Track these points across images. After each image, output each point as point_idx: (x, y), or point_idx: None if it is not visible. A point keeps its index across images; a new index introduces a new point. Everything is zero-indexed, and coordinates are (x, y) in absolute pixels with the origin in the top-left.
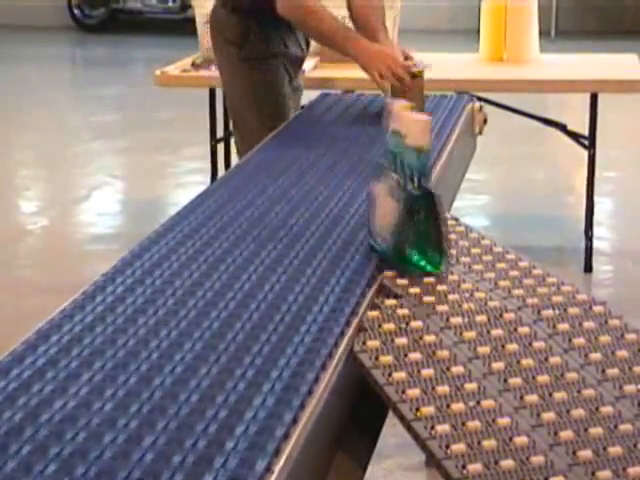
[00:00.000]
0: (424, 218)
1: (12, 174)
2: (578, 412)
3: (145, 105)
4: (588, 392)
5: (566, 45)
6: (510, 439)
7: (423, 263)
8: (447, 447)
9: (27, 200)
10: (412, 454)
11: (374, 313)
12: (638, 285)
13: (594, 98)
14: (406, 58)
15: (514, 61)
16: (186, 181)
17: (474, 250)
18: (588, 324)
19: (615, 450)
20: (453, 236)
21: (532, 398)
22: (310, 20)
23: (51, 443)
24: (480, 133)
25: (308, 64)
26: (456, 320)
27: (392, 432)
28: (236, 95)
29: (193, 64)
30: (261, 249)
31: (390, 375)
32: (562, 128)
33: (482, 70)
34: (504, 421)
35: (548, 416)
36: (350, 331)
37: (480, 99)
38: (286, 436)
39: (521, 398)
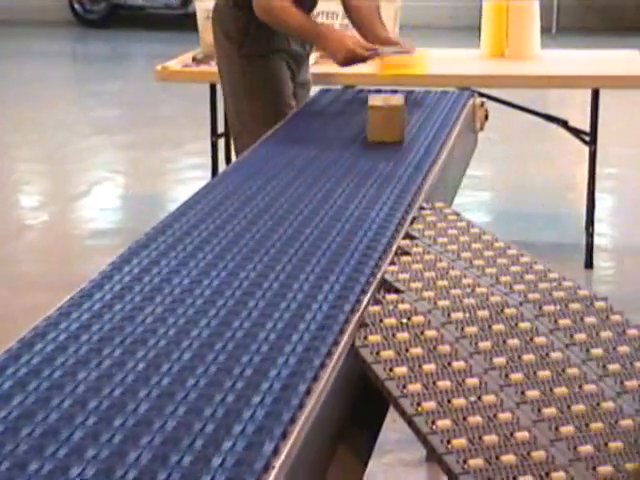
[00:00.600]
0: None
1: (12, 169)
2: (579, 407)
3: (146, 100)
4: (589, 387)
5: (567, 41)
6: (511, 434)
7: None
8: (448, 442)
9: (27, 195)
10: (413, 449)
11: (375, 308)
12: (639, 281)
13: (595, 94)
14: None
15: (515, 57)
16: (187, 177)
17: (475, 245)
18: (589, 319)
19: (616, 445)
20: (455, 231)
21: (533, 393)
22: (281, 19)
23: (47, 442)
24: (481, 129)
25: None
26: (457, 315)
27: (393, 427)
28: (235, 92)
29: (194, 59)
30: (260, 246)
31: (391, 370)
32: (563, 124)
33: (484, 66)
34: (505, 416)
35: (549, 411)
36: (351, 326)
37: (481, 95)
38: (286, 432)
39: (522, 393)
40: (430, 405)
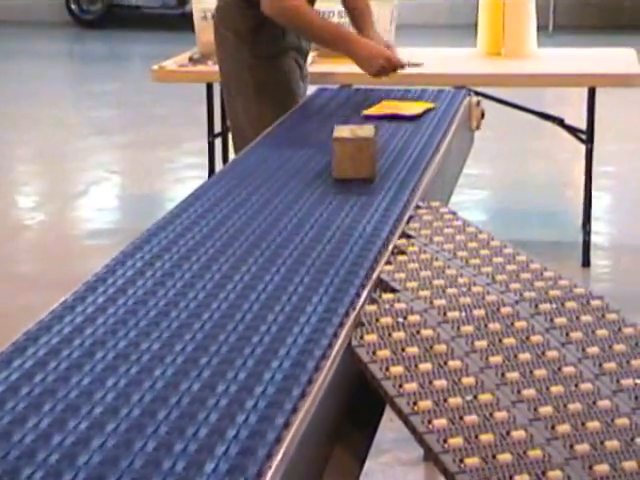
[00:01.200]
0: None
1: (10, 169)
2: (575, 406)
3: (143, 100)
4: (585, 386)
5: (564, 40)
6: (507, 433)
7: None
8: (444, 441)
9: (25, 195)
10: (410, 448)
11: (372, 307)
12: (635, 279)
13: (592, 92)
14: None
15: (512, 56)
16: (184, 176)
17: (471, 244)
18: (585, 318)
19: (612, 444)
20: (451, 230)
21: (529, 392)
22: (299, 20)
23: (38, 447)
24: (478, 128)
25: None
26: (453, 314)
27: (390, 426)
28: (243, 91)
29: (190, 59)
30: (256, 247)
31: (387, 369)
32: (560, 122)
33: (480, 65)
34: (501, 415)
35: (545, 410)
36: (347, 326)
37: (478, 94)
38: (283, 431)
39: (518, 392)
40: (426, 404)
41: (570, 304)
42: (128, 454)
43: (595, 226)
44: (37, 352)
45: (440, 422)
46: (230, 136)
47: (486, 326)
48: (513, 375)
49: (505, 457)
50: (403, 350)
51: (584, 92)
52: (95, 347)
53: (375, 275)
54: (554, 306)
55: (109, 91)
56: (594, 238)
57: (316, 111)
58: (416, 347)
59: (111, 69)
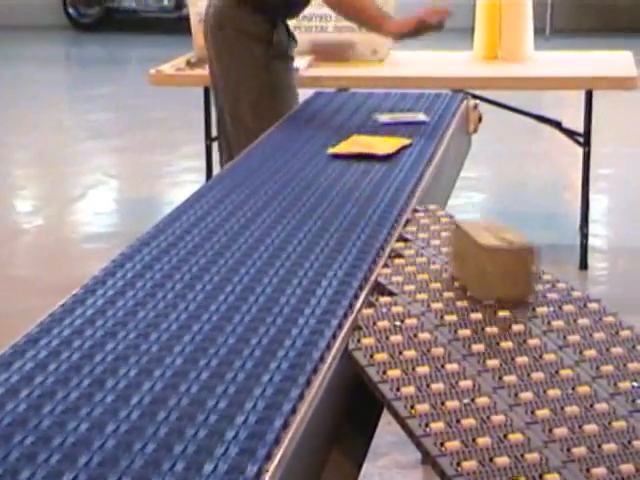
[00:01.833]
0: None
1: (7, 173)
2: (572, 409)
3: (140, 104)
4: (583, 389)
5: (561, 43)
6: (505, 436)
7: None
8: (442, 444)
9: (22, 199)
10: (408, 451)
11: (369, 311)
12: (633, 282)
13: (589, 95)
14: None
15: (509, 59)
16: (181, 180)
17: None
18: (583, 321)
19: (609, 447)
20: (448, 233)
21: (527, 395)
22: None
23: (38, 449)
24: (475, 131)
25: (302, 63)
26: (451, 318)
27: (388, 430)
28: (255, 91)
29: (188, 63)
30: (255, 247)
31: (385, 373)
32: (557, 125)
33: (477, 68)
34: (499, 418)
35: (543, 413)
36: (345, 329)
37: (475, 97)
38: (282, 433)
39: (516, 395)
40: (423, 407)
41: (567, 307)
42: (128, 455)
43: (593, 229)
44: (37, 354)
45: (437, 425)
46: (218, 143)
47: (483, 330)
48: (510, 378)
49: (502, 460)
50: (400, 353)
51: (581, 95)
52: (94, 349)
53: (372, 278)
54: (551, 309)
55: (106, 94)
56: (592, 241)
57: (313, 115)
58: (413, 350)
59: (108, 72)
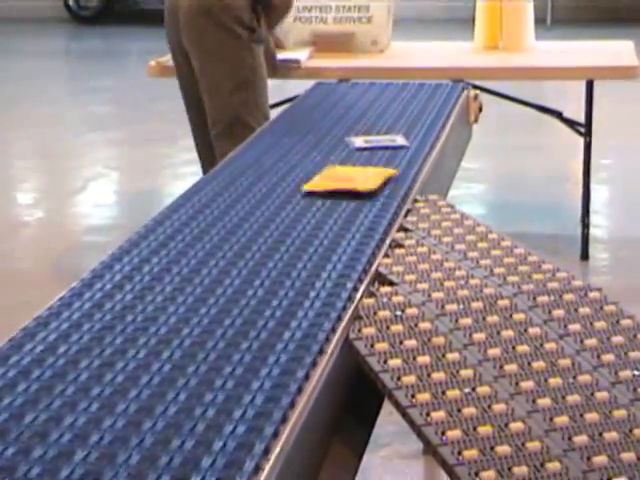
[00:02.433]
0: None
1: (8, 166)
2: (573, 398)
3: (140, 96)
4: (583, 378)
5: (562, 33)
6: (506, 425)
7: None
8: (443, 434)
9: (23, 192)
10: (409, 441)
11: (369, 300)
12: (634, 272)
13: (590, 85)
14: None
15: (510, 49)
16: (182, 172)
17: (469, 237)
18: (583, 310)
19: (610, 435)
20: (449, 223)
21: (527, 384)
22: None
23: (35, 443)
24: (475, 121)
25: (303, 54)
26: (451, 307)
27: (390, 420)
28: (241, 78)
29: None
30: (254, 240)
31: (385, 362)
32: (558, 116)
33: (477, 58)
34: (500, 407)
35: (543, 402)
36: (345, 319)
37: (475, 87)
38: (281, 426)
39: (516, 384)
40: (424, 397)
41: (568, 296)
42: (125, 450)
43: (594, 219)
44: (34, 349)
45: (438, 415)
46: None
47: (484, 319)
48: (511, 367)
49: (504, 449)
50: (401, 343)
51: (582, 85)
52: (92, 343)
53: (373, 268)
54: (552, 298)
55: (107, 87)
56: (593, 231)
57: (313, 106)
58: (414, 340)
59: (109, 65)
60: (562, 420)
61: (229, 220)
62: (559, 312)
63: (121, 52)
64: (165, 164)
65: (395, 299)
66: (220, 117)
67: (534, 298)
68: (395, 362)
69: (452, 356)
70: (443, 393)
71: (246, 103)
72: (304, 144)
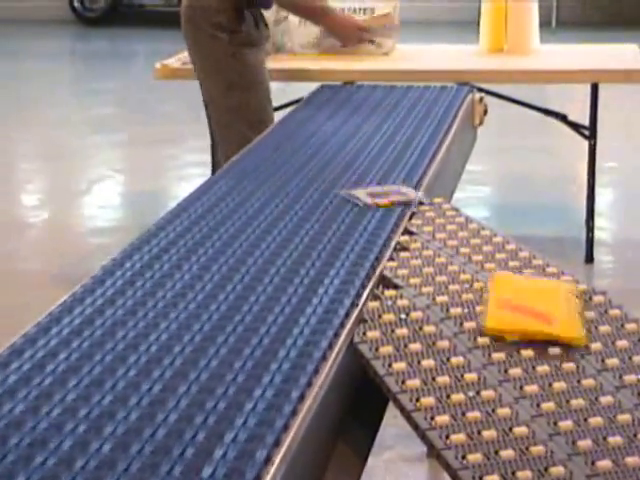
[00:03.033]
0: None
1: (13, 167)
2: (578, 402)
3: (146, 98)
4: (588, 382)
5: (567, 36)
6: (510, 429)
7: None
8: (447, 437)
9: (28, 193)
10: (413, 445)
11: (374, 304)
12: (639, 275)
13: (595, 88)
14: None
15: (514, 52)
16: (187, 174)
17: (474, 241)
18: (588, 314)
19: (615, 440)
20: (453, 226)
21: (532, 388)
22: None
23: (35, 452)
24: (480, 124)
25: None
26: (456, 310)
27: (394, 423)
28: (226, 84)
29: None
30: (260, 241)
31: (390, 366)
32: (563, 118)
33: (482, 61)
34: (504, 411)
35: (548, 406)
36: (350, 322)
37: (480, 90)
38: (286, 427)
39: (521, 388)
40: (429, 401)
41: None
42: (125, 457)
43: (598, 222)
44: (34, 355)
45: (443, 418)
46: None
47: None
48: (516, 371)
49: (508, 453)
50: (406, 346)
51: (587, 88)
52: (93, 350)
53: (378, 272)
54: None
55: (112, 89)
56: (597, 234)
57: (318, 108)
58: (419, 343)
59: (114, 67)
60: (566, 424)
61: (232, 225)
62: None
63: (126, 54)
64: (170, 166)
65: (400, 302)
66: (216, 124)
67: None
68: (400, 366)
69: (456, 360)
70: (447, 397)
71: (236, 109)
72: (309, 146)
